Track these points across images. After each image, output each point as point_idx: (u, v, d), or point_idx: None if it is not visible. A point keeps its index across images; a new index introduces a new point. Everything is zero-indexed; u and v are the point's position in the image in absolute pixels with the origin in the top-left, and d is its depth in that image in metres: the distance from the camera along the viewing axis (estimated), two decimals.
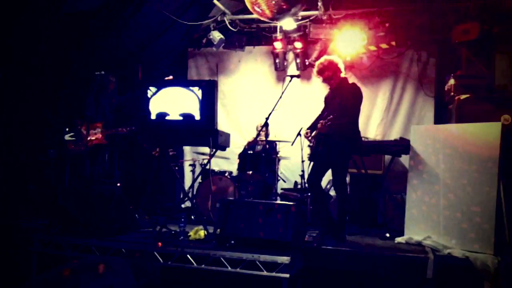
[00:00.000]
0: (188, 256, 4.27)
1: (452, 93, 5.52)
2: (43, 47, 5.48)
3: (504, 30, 5.47)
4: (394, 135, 6.80)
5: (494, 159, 4.52)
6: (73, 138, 5.59)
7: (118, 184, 5.82)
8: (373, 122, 7.07)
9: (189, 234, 4.76)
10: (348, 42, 6.42)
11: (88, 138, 5.54)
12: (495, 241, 4.39)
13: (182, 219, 4.78)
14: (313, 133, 5.02)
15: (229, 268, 4.15)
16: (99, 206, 4.91)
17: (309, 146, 5.35)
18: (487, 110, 5.08)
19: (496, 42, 5.53)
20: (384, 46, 6.57)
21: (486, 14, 5.71)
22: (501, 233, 4.42)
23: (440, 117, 6.60)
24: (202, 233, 4.73)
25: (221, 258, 4.18)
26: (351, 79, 5.93)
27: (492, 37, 5.58)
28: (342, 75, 5.01)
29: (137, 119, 5.14)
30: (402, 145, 5.51)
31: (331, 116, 4.61)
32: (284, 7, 4.63)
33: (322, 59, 5.01)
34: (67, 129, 5.65)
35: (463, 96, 5.23)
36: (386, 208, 5.94)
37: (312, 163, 5.04)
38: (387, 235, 5.17)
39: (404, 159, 6.04)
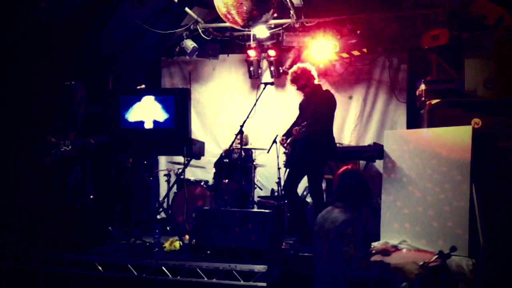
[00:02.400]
0: (163, 268, 4.19)
1: (423, 98, 5.60)
2: (10, 56, 5.35)
3: (472, 36, 5.60)
4: (368, 140, 6.86)
5: (466, 162, 4.58)
6: (44, 151, 5.44)
7: (91, 196, 5.69)
8: (347, 128, 7.12)
9: (164, 246, 4.67)
10: (321, 50, 6.48)
11: (59, 150, 5.41)
12: (469, 243, 4.44)
13: (157, 230, 4.69)
14: (289, 140, 5.02)
15: (205, 279, 4.09)
16: (71, 219, 4.79)
17: (284, 153, 5.35)
18: (457, 114, 5.16)
19: (465, 47, 5.65)
20: (356, 53, 6.65)
21: (454, 20, 5.84)
22: (475, 235, 4.47)
23: (413, 122, 6.70)
24: (177, 244, 4.66)
25: (197, 269, 4.12)
26: (325, 86, 5.97)
27: (461, 42, 5.70)
28: (316, 82, 5.04)
29: (109, 129, 5.04)
30: (376, 150, 5.56)
31: (306, 123, 4.63)
32: (255, 14, 4.64)
33: (295, 68, 5.02)
34: (37, 141, 5.51)
35: (434, 101, 5.31)
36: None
37: (288, 170, 5.03)
38: None
39: (379, 164, 6.10)
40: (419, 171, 4.86)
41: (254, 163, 6.56)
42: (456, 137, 4.69)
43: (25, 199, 5.55)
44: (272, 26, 6.71)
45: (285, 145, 5.09)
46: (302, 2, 6.16)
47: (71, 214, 4.83)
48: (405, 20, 6.34)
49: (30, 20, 5.13)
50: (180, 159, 5.91)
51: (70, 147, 5.40)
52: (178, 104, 4.71)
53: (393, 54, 6.96)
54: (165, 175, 6.53)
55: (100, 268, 4.36)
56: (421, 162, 4.85)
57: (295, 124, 5.13)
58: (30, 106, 5.79)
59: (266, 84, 5.32)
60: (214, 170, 6.63)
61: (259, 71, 7.44)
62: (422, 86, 5.69)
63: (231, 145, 6.03)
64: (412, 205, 4.83)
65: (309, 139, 4.70)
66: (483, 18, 5.63)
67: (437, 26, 5.87)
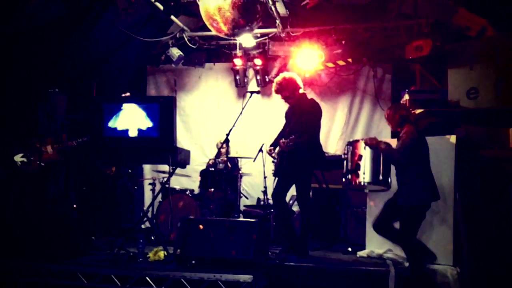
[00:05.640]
0: (147, 278, 4.12)
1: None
2: None
3: (455, 47, 5.68)
4: None
5: (449, 171, 4.63)
6: (25, 158, 5.35)
7: (74, 205, 5.61)
8: (333, 137, 7.15)
9: (148, 255, 4.61)
10: (307, 59, 6.52)
11: (41, 156, 5.34)
12: (454, 252, 4.48)
13: (141, 240, 4.63)
14: (277, 150, 5.01)
15: None
16: (53, 229, 4.70)
17: (273, 162, 5.33)
18: (441, 124, 5.22)
19: (448, 58, 5.73)
20: (341, 63, 6.70)
21: (438, 31, 5.92)
22: (459, 244, 4.51)
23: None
24: (161, 254, 4.60)
25: (182, 279, 4.06)
26: (310, 95, 6.00)
27: (444, 53, 5.78)
28: (301, 91, 5.04)
29: (92, 137, 4.98)
30: None
31: (293, 136, 4.62)
32: (240, 22, 4.65)
33: (279, 78, 5.01)
34: (18, 148, 5.41)
35: (417, 111, 5.36)
36: (348, 222, 5.97)
37: (277, 178, 5.01)
38: (349, 249, 5.19)
39: None
40: None
41: (240, 172, 6.54)
42: (440, 147, 4.73)
43: (4, 208, 5.44)
44: (258, 35, 6.72)
45: (273, 154, 5.08)
46: (288, 12, 6.19)
47: (53, 223, 4.75)
48: (389, 31, 6.41)
49: (12, 26, 5.07)
50: (165, 167, 5.88)
51: (52, 151, 5.33)
52: (163, 112, 4.67)
53: (377, 64, 7.03)
54: (150, 184, 6.45)
55: (82, 278, 4.27)
56: None
57: (282, 132, 5.13)
58: (11, 113, 5.70)
59: (252, 92, 5.32)
60: (199, 179, 6.59)
61: (245, 80, 7.44)
62: (406, 96, 5.74)
63: (217, 154, 6.01)
64: None
65: (297, 150, 4.69)
66: (466, 29, 5.72)
67: (420, 37, 5.94)
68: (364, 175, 4.35)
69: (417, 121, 5.27)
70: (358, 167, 4.38)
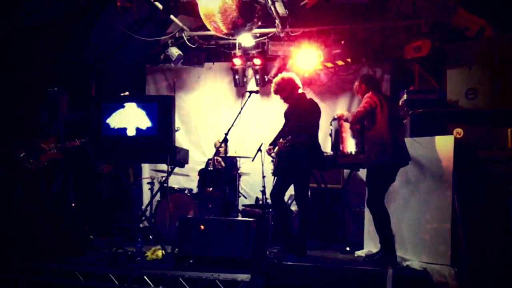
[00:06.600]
0: (145, 277, 4.12)
1: (406, 108, 5.66)
2: None
3: (454, 47, 5.69)
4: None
5: (448, 172, 4.63)
6: (27, 157, 5.36)
7: (73, 204, 5.61)
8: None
9: (146, 255, 4.61)
10: (306, 59, 6.53)
11: (44, 155, 5.34)
12: (452, 252, 4.48)
13: (139, 239, 4.64)
14: (275, 150, 5.01)
15: None
16: (51, 227, 4.71)
17: (272, 161, 5.34)
18: (440, 124, 5.22)
19: (446, 58, 5.74)
20: (340, 63, 6.70)
21: (437, 31, 5.93)
22: (457, 244, 4.51)
23: None
24: (159, 253, 4.60)
25: (180, 279, 4.06)
26: (309, 95, 5.98)
27: (443, 53, 5.79)
28: (300, 91, 5.04)
29: (91, 136, 4.98)
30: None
31: (290, 136, 4.62)
32: (239, 22, 4.65)
33: (278, 78, 5.01)
34: (21, 147, 5.41)
35: (416, 111, 5.37)
36: (346, 221, 5.98)
37: (276, 178, 5.01)
38: (347, 249, 5.19)
39: (362, 173, 6.12)
40: (402, 180, 4.89)
41: (239, 171, 6.55)
42: (439, 147, 4.74)
43: (5, 207, 5.44)
44: (258, 35, 6.74)
45: (272, 154, 5.08)
46: (287, 12, 6.19)
47: (52, 222, 4.75)
48: (389, 31, 6.42)
49: (12, 25, 5.07)
50: (164, 167, 5.88)
51: (54, 150, 5.33)
52: (162, 112, 4.66)
53: (376, 64, 7.03)
54: (148, 183, 6.46)
55: (80, 277, 4.27)
56: (403, 171, 4.88)
57: (281, 132, 5.13)
58: (13, 112, 5.71)
59: (251, 92, 5.33)
60: (198, 178, 6.59)
61: (245, 80, 7.45)
62: (405, 96, 5.75)
63: (215, 154, 6.02)
64: (395, 214, 4.86)
65: (295, 150, 4.69)
66: (465, 29, 5.73)
67: (419, 37, 5.95)
68: (343, 145, 4.88)
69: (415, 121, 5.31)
70: (339, 141, 4.92)
